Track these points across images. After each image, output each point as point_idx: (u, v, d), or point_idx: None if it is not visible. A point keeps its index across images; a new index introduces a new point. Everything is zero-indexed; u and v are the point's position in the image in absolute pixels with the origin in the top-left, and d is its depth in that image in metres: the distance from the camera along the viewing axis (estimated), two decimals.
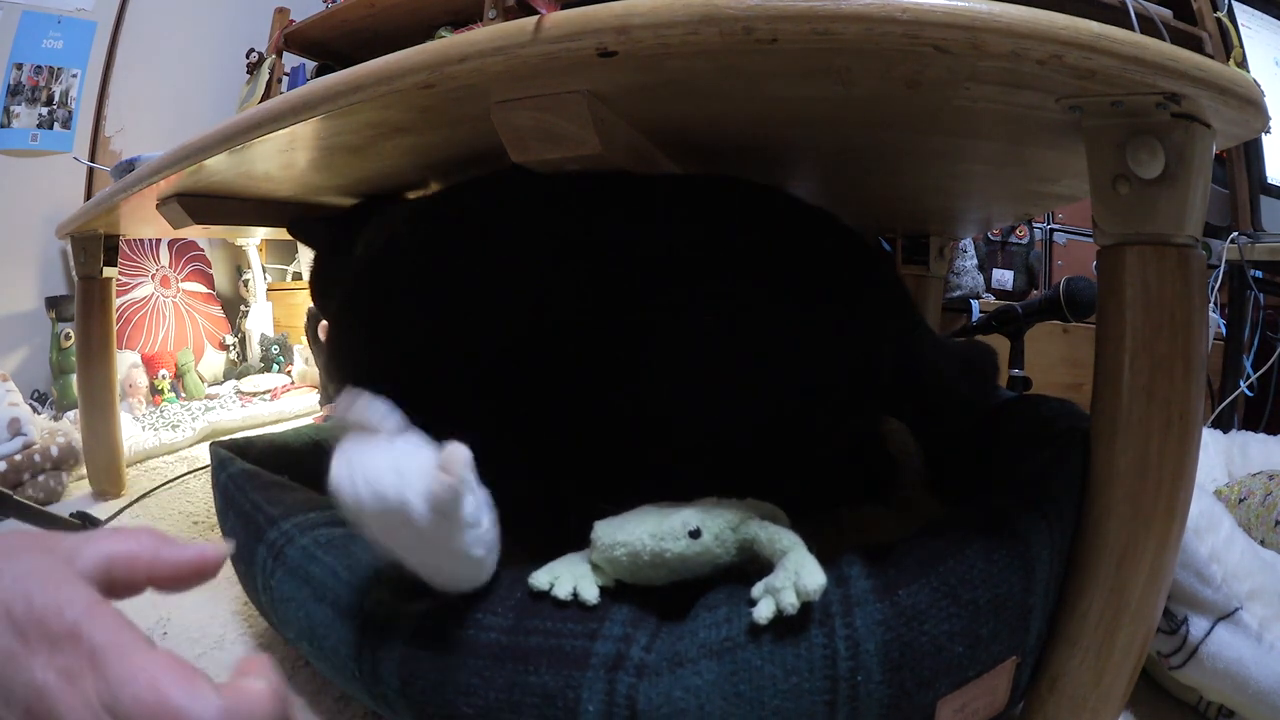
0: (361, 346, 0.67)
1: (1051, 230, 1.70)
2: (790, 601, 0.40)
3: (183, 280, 1.95)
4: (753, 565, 0.47)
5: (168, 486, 1.17)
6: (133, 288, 1.79)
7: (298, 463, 0.84)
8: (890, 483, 0.74)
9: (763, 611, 0.41)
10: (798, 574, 0.41)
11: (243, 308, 2.06)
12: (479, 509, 0.38)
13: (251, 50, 1.94)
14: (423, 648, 0.46)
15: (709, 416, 0.55)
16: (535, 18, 0.41)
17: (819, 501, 0.64)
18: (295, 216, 0.89)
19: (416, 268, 0.64)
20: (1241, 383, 1.25)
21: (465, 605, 0.47)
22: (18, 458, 1.09)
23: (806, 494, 0.59)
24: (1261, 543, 0.65)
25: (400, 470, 0.34)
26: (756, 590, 0.42)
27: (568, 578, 0.47)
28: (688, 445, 0.56)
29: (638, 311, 0.55)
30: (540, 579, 0.47)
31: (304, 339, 1.87)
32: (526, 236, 0.60)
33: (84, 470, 1.16)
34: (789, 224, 0.63)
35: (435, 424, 0.62)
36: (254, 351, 1.99)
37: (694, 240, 0.57)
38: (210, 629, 0.72)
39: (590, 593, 0.46)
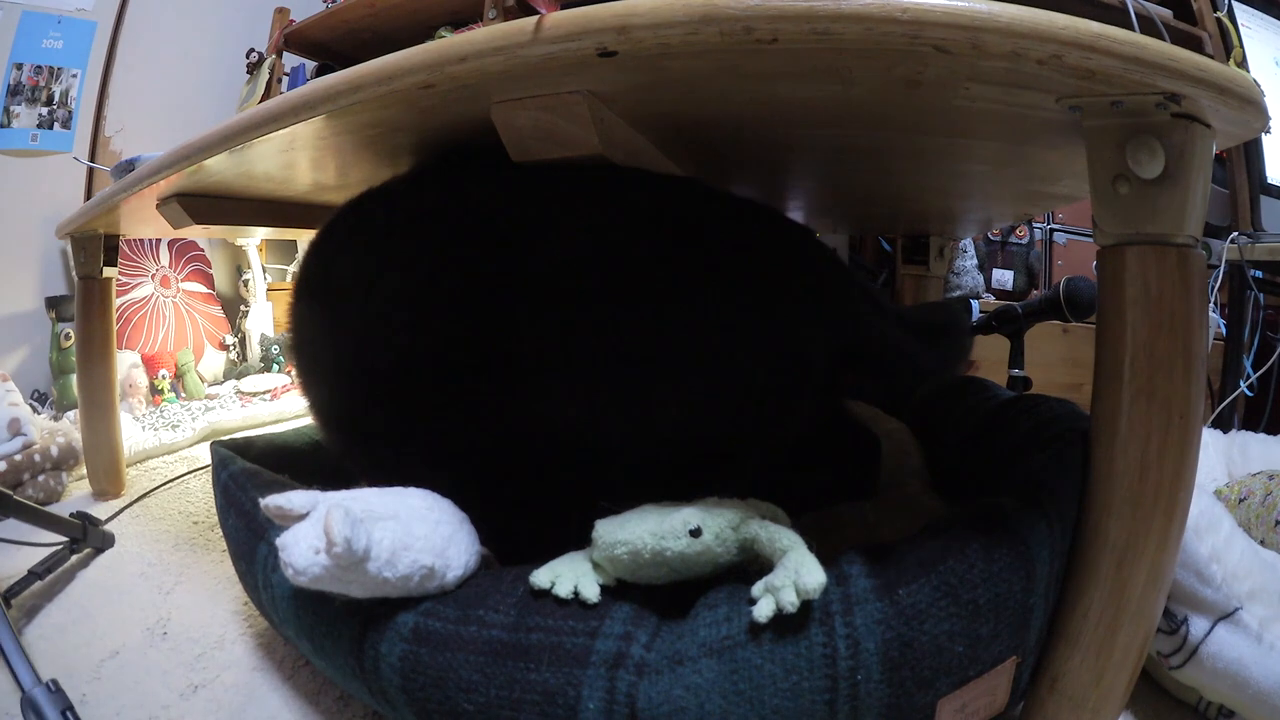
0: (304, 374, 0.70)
1: (1051, 230, 1.69)
2: (790, 600, 0.40)
3: (183, 280, 1.94)
4: (753, 564, 0.47)
5: (168, 486, 1.17)
6: (133, 288, 1.79)
7: (298, 462, 0.84)
8: (869, 470, 0.72)
9: (763, 610, 0.41)
10: (798, 572, 0.41)
11: (243, 308, 2.06)
12: (369, 547, 0.45)
13: (251, 50, 1.94)
14: (424, 645, 0.46)
15: (625, 419, 0.54)
16: (535, 18, 0.41)
17: (779, 498, 0.63)
18: None
19: (334, 280, 0.65)
20: (1241, 383, 1.25)
21: (467, 603, 0.48)
22: (18, 458, 1.09)
23: (761, 492, 0.57)
24: (1261, 543, 0.65)
25: (312, 545, 0.44)
26: (756, 589, 0.42)
27: (569, 576, 0.47)
28: (609, 448, 0.55)
29: (541, 317, 0.54)
30: (541, 577, 0.47)
31: None
32: (435, 237, 0.59)
33: (84, 470, 1.16)
34: (706, 216, 0.61)
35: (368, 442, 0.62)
36: (254, 351, 1.99)
37: (597, 241, 0.56)
38: (210, 629, 0.72)
39: (591, 591, 0.46)
